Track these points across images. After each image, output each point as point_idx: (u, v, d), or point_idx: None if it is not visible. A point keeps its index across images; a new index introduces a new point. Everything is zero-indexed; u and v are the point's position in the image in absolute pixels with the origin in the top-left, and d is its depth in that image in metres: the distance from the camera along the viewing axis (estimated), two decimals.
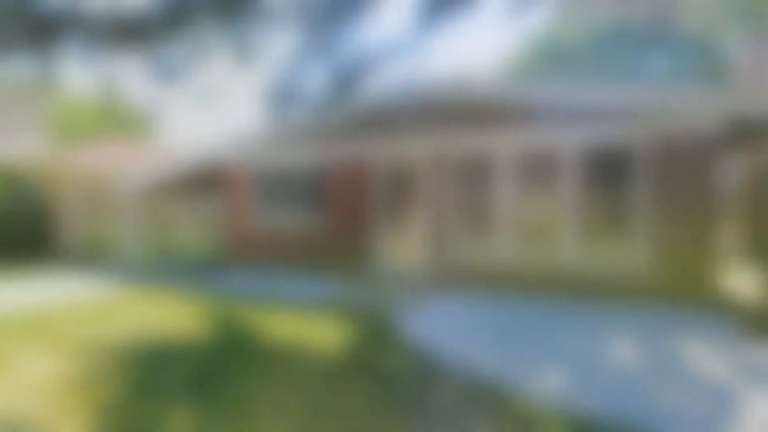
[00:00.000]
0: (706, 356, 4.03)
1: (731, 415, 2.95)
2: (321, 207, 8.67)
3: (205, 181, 13.07)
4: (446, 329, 5.06)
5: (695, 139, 5.89)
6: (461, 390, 3.37)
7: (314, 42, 4.25)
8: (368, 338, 4.70)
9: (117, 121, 38.50)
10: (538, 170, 6.91)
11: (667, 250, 6.06)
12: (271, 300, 6.69)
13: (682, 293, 5.96)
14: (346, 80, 4.59)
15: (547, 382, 3.49)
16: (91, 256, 12.33)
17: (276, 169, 9.17)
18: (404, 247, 7.97)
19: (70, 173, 12.53)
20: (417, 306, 6.16)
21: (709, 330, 4.85)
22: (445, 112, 7.46)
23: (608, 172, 6.57)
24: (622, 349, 4.29)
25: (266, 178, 9.33)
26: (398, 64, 7.92)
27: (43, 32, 2.29)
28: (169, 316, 5.65)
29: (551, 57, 22.14)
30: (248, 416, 2.93)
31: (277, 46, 3.77)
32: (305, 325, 5.13)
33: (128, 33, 2.70)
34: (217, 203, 15.68)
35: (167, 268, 10.87)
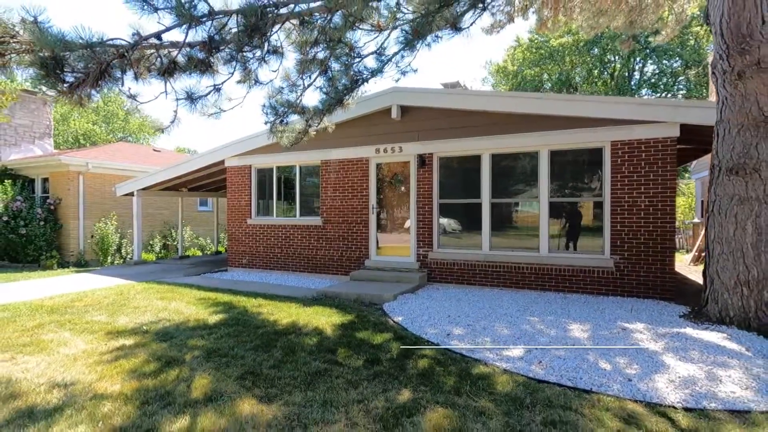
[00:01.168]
0: (646, 335, 4.73)
1: (654, 373, 3.66)
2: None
3: (209, 182, 13.68)
4: (422, 314, 5.74)
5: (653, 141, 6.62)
6: (429, 357, 4.06)
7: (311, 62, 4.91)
8: (356, 321, 5.37)
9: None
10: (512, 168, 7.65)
11: (625, 246, 6.78)
12: (269, 292, 7.36)
13: (641, 285, 6.70)
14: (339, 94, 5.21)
15: (506, 356, 4.18)
16: (100, 255, 12.90)
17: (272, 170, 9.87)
18: (396, 245, 8.67)
19: (79, 174, 13.11)
20: (401, 296, 6.86)
21: (658, 314, 5.57)
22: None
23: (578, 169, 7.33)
24: (573, 327, 4.99)
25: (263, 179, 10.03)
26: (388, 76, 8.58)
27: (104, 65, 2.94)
28: (181, 303, 6.31)
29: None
30: (256, 376, 3.60)
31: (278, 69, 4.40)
32: (302, 312, 5.80)
33: (171, 68, 3.40)
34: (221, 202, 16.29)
35: (172, 266, 11.48)
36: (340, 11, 3.57)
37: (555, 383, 3.52)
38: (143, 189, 11.89)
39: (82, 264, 12.88)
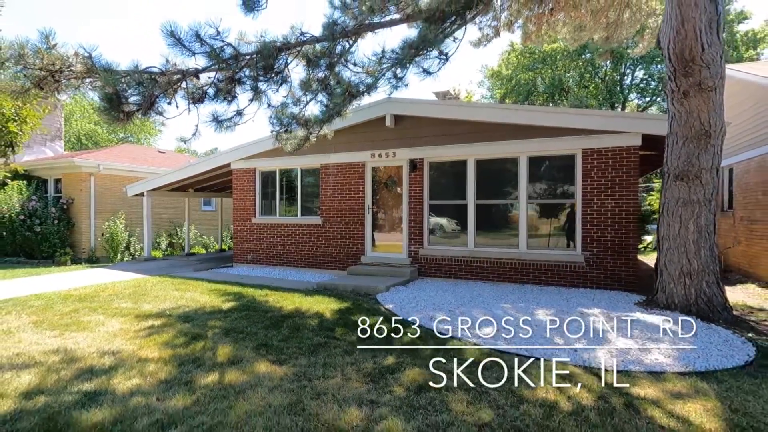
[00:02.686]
0: (600, 318, 5.51)
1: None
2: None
3: (215, 183, 14.40)
4: (410, 302, 6.50)
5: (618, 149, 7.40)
6: (413, 334, 4.82)
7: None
8: (352, 307, 6.13)
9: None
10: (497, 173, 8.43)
11: (594, 244, 7.56)
12: (273, 285, 8.12)
13: (608, 278, 7.48)
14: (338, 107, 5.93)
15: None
16: (110, 252, 13.61)
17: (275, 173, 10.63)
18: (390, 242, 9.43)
19: (90, 175, 13.83)
20: (393, 288, 7.62)
21: (616, 302, 6.35)
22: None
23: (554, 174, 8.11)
24: (539, 312, 5.76)
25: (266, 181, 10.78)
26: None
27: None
28: (195, 293, 7.06)
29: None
30: (268, 347, 4.36)
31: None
32: (304, 300, 6.56)
33: (200, 95, 4.16)
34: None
35: (180, 262, 12.22)
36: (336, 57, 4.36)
37: (514, 353, 4.29)
38: (153, 189, 12.62)
39: (93, 260, 13.59)
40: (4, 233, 12.89)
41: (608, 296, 6.84)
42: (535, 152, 8.06)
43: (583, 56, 26.85)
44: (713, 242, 5.79)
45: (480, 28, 10.62)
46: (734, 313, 5.94)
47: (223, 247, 16.99)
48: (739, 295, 7.75)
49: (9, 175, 7.94)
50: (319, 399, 3.19)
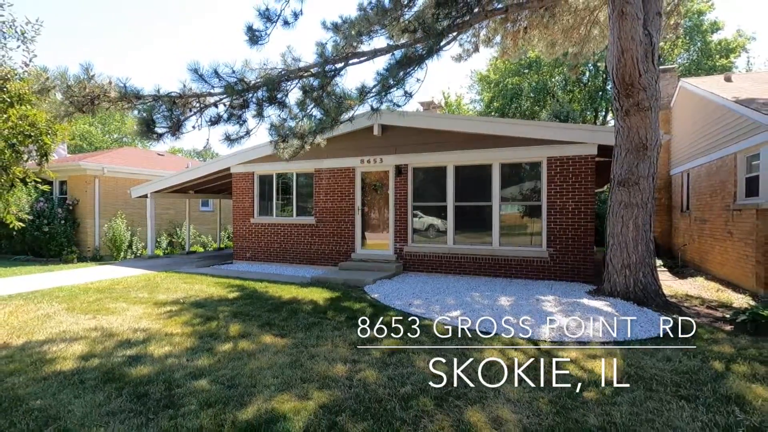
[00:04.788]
0: (552, 303, 6.48)
1: (542, 324, 5.37)
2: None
3: (214, 185, 15.21)
4: (393, 292, 7.43)
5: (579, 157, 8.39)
6: (392, 317, 5.75)
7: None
8: (342, 296, 7.05)
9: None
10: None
11: (558, 241, 8.55)
12: (271, 279, 9.00)
13: (569, 271, 8.46)
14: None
15: (447, 316, 5.89)
16: (113, 250, 14.37)
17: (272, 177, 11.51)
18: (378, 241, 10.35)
19: (95, 178, 14.57)
20: (379, 281, 8.55)
21: (570, 291, 7.33)
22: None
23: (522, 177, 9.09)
24: (502, 299, 6.72)
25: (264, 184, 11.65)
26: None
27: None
28: (202, 285, 7.93)
29: None
30: (271, 325, 5.26)
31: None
32: (300, 291, 7.46)
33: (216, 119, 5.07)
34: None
35: (182, 259, 13.04)
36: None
37: (474, 329, 5.23)
38: (156, 191, 13.42)
39: (97, 258, 14.35)
40: (15, 233, 13.60)
41: (566, 286, 7.83)
42: (506, 159, 9.03)
43: (567, 64, 27.92)
44: (649, 239, 6.78)
45: (461, 44, 11.57)
46: (671, 300, 6.94)
47: (221, 245, 17.79)
48: (687, 286, 8.79)
49: (39, 180, 8.81)
50: (313, 359, 4.11)
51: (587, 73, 29.62)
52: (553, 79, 30.52)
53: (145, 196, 13.55)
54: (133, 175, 15.89)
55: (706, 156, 10.03)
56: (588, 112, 29.52)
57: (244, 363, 4.00)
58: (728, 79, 11.42)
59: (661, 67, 15.65)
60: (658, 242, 13.75)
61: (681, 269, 11.15)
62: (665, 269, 11.45)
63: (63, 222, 14.08)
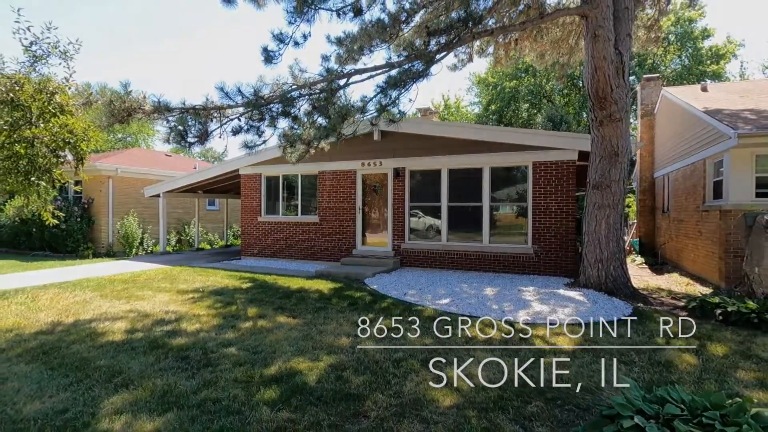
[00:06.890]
0: (532, 293, 7.26)
1: (520, 309, 6.15)
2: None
3: (222, 186, 15.98)
4: (391, 284, 8.21)
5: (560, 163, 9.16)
6: (389, 303, 6.53)
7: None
8: (344, 287, 7.83)
9: None
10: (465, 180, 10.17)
11: (542, 238, 9.33)
12: (279, 272, 9.78)
13: (552, 266, 9.24)
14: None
15: (437, 303, 6.67)
16: (126, 247, 15.15)
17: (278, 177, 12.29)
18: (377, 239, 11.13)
19: (109, 178, 15.34)
20: (378, 275, 9.33)
21: (549, 283, 8.10)
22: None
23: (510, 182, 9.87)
24: (487, 289, 7.50)
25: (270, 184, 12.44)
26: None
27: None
28: (216, 278, 8.71)
29: None
30: (283, 309, 6.03)
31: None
32: (306, 282, 8.24)
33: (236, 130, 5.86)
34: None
35: (193, 255, 13.81)
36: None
37: (460, 314, 6.00)
38: (168, 191, 14.21)
39: (111, 254, 15.13)
40: (34, 230, 14.41)
41: (547, 280, 8.62)
42: (496, 164, 9.81)
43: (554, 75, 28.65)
44: (620, 237, 7.56)
45: (456, 55, 12.35)
46: (641, 291, 7.72)
47: (228, 243, 18.57)
48: (661, 281, 9.57)
49: (72, 181, 9.63)
50: (321, 334, 4.89)
51: (581, 79, 30.37)
52: (549, 83, 31.30)
53: (158, 195, 14.33)
54: (144, 175, 16.67)
55: (683, 160, 10.81)
56: (584, 113, 30.28)
57: (264, 336, 4.78)
58: (704, 89, 12.20)
59: (645, 76, 16.47)
60: (643, 241, 14.55)
61: (660, 266, 11.93)
62: (646, 266, 12.25)
63: (79, 219, 14.85)
